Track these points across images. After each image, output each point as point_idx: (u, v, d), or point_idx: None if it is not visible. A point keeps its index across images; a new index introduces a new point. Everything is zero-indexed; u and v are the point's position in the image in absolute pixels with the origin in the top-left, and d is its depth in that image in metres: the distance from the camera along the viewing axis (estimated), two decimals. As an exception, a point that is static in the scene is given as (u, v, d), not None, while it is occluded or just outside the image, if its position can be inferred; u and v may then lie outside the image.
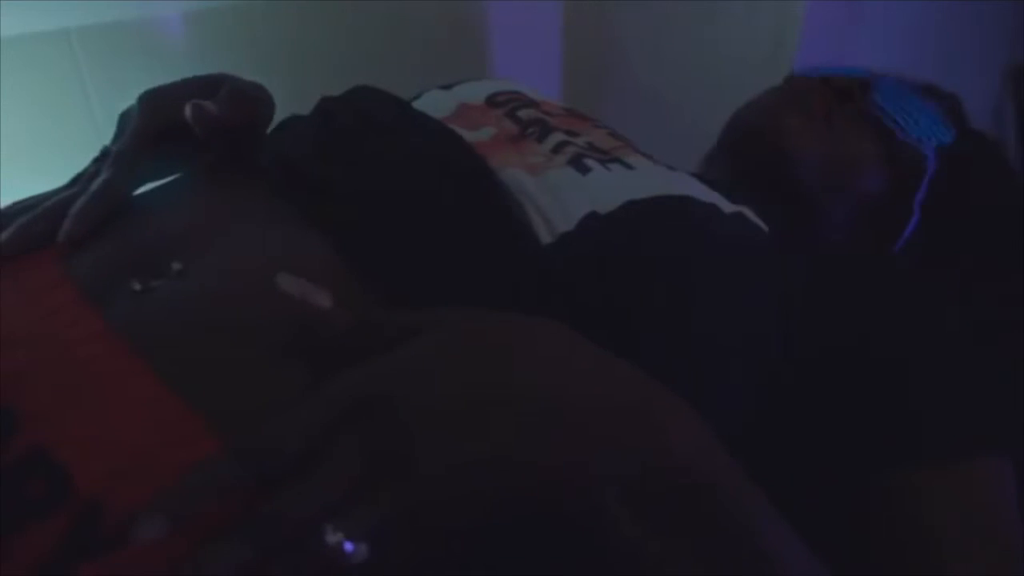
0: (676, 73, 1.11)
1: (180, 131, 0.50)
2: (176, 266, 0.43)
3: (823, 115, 0.67)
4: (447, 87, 0.65)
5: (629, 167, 0.53)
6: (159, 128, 0.51)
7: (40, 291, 0.40)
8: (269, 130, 0.56)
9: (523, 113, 0.59)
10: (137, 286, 0.42)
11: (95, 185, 0.48)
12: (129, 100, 0.86)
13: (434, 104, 0.61)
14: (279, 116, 0.58)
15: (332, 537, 0.32)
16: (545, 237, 0.47)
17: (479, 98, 0.61)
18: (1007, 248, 0.69)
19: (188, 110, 0.49)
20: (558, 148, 0.54)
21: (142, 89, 0.87)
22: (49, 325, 0.38)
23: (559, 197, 0.49)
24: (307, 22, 0.91)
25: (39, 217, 0.47)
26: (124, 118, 0.55)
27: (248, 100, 0.52)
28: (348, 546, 0.32)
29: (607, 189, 0.50)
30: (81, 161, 0.86)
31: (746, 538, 0.35)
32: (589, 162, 0.52)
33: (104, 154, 0.53)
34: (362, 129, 0.54)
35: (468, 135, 0.54)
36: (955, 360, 0.52)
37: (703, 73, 1.09)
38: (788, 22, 1.06)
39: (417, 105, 0.61)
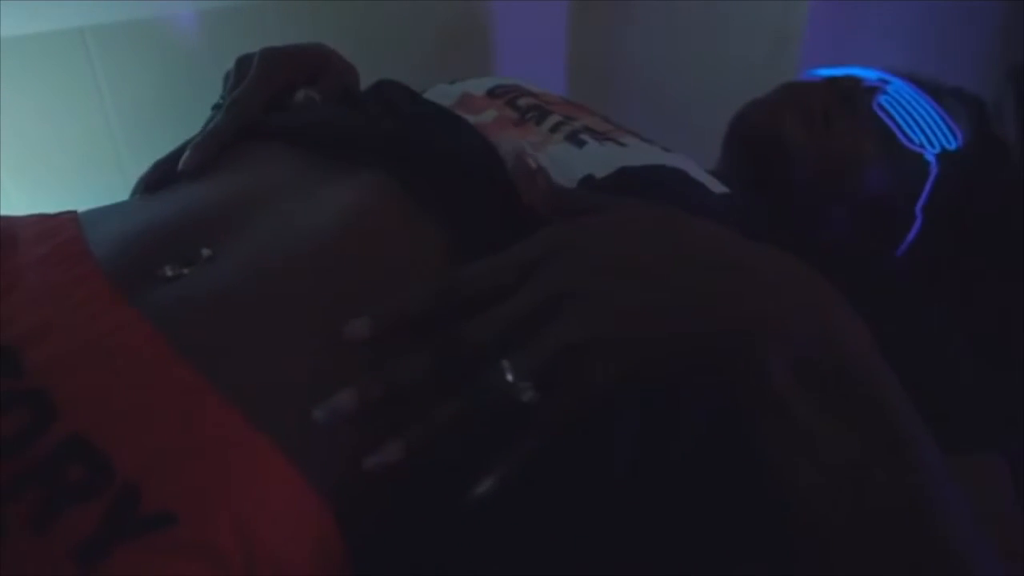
0: (681, 73, 1.12)
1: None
2: (206, 252, 0.44)
3: (822, 116, 0.68)
4: (451, 83, 0.67)
5: (623, 145, 0.56)
6: (271, 89, 0.61)
7: (71, 284, 0.41)
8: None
9: (522, 102, 0.61)
10: (169, 272, 0.43)
11: (210, 125, 0.58)
12: (142, 98, 0.88)
13: (438, 95, 0.64)
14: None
15: (506, 368, 0.36)
16: None
17: (480, 90, 0.64)
18: (1010, 254, 0.70)
19: (300, 96, 0.60)
20: (555, 128, 0.57)
21: (155, 88, 0.89)
22: (81, 316, 0.39)
23: (558, 164, 0.52)
24: (316, 22, 0.93)
25: (170, 155, 0.58)
26: (241, 65, 0.65)
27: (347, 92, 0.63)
28: (519, 379, 0.36)
29: (602, 159, 0.53)
30: (94, 158, 0.88)
31: (901, 443, 0.36)
32: (584, 137, 0.55)
33: (218, 105, 0.63)
34: (390, 109, 0.60)
35: (471, 119, 0.57)
36: (939, 359, 0.53)
37: (707, 73, 1.10)
38: (792, 22, 1.07)
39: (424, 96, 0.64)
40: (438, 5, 1.05)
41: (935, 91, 0.72)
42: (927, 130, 0.70)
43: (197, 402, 0.37)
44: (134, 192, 0.60)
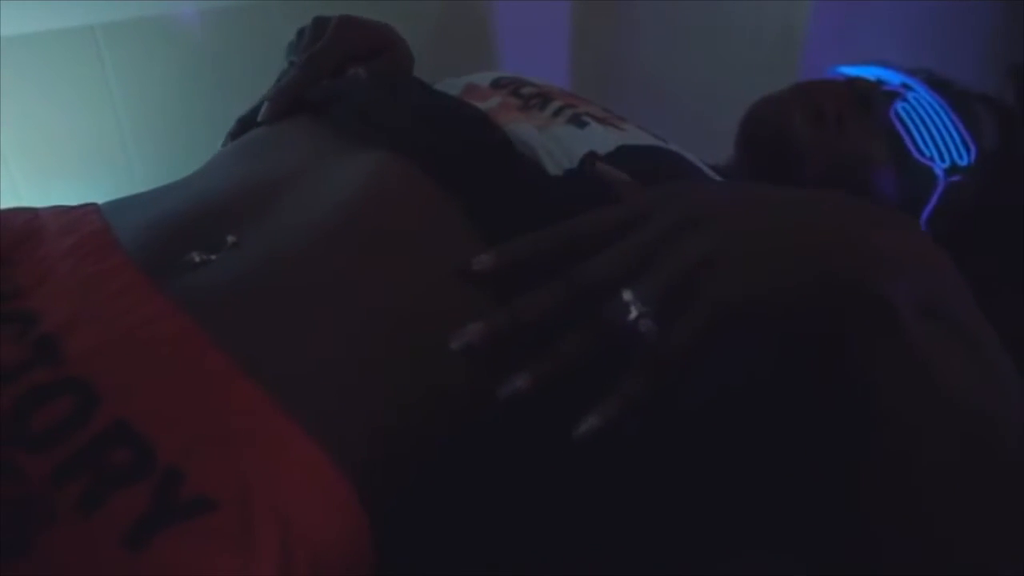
0: (683, 73, 1.13)
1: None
2: (231, 239, 0.45)
3: (834, 116, 0.68)
4: (456, 77, 0.69)
5: (622, 130, 0.58)
6: (342, 54, 0.66)
7: (103, 275, 0.42)
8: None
9: (525, 90, 0.63)
10: (196, 259, 0.44)
11: (284, 79, 0.63)
12: (151, 96, 0.89)
13: (445, 87, 0.66)
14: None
15: (628, 298, 0.39)
16: (552, 171, 0.52)
17: (485, 82, 0.66)
18: (1013, 271, 0.69)
19: (350, 72, 0.65)
20: (558, 112, 0.59)
21: (165, 85, 0.90)
22: (116, 307, 0.40)
23: (562, 143, 0.54)
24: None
25: (250, 110, 0.65)
26: (317, 26, 0.70)
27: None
28: (641, 305, 0.39)
29: (603, 138, 0.55)
30: (104, 155, 0.88)
31: (999, 374, 0.39)
32: (586, 119, 0.57)
33: (292, 62, 0.68)
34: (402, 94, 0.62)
35: (478, 106, 0.59)
36: None
37: (710, 72, 1.11)
38: (794, 21, 1.08)
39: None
40: (441, 5, 1.05)
41: (963, 98, 0.72)
42: (940, 143, 0.69)
43: (232, 389, 0.38)
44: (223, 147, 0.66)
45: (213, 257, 0.44)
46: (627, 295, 0.39)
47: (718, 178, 0.58)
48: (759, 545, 0.47)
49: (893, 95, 0.71)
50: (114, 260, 0.43)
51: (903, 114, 0.70)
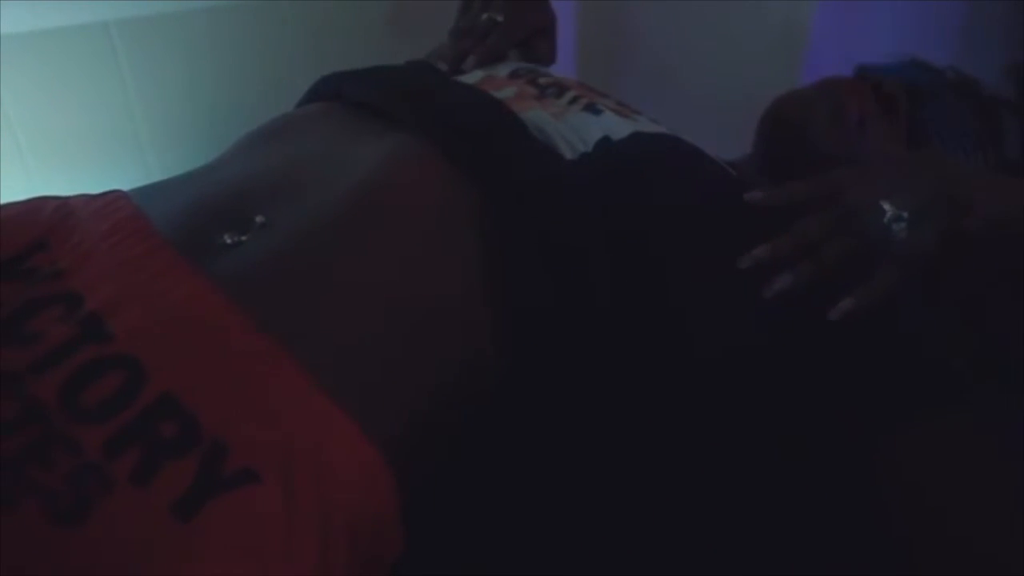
0: (688, 71, 1.14)
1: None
2: (260, 219, 0.46)
3: (857, 118, 0.68)
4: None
5: (635, 121, 0.60)
6: (523, 30, 0.74)
7: (142, 257, 0.43)
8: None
9: (542, 80, 0.65)
10: (228, 240, 0.45)
11: (490, 38, 0.72)
12: (165, 92, 0.89)
13: (463, 78, 0.68)
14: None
15: (886, 208, 0.48)
16: (568, 155, 0.54)
17: (503, 72, 0.68)
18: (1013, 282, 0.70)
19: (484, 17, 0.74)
20: (573, 101, 0.61)
21: (178, 81, 0.91)
22: (157, 287, 0.41)
23: (577, 130, 0.56)
24: (337, 18, 0.95)
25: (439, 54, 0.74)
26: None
27: None
28: (893, 216, 0.48)
29: (617, 125, 0.57)
30: (119, 149, 0.89)
31: None
32: (600, 107, 0.59)
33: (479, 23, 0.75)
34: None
35: (495, 94, 0.61)
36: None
37: (714, 70, 1.12)
38: (798, 19, 1.10)
39: None
40: (451, 4, 1.07)
41: (989, 103, 0.72)
42: (962, 149, 0.69)
43: (271, 365, 0.39)
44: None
45: (244, 238, 0.45)
46: (885, 204, 0.49)
47: (732, 172, 0.59)
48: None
49: (918, 98, 0.71)
50: (152, 242, 0.44)
51: (927, 118, 0.70)
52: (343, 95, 0.61)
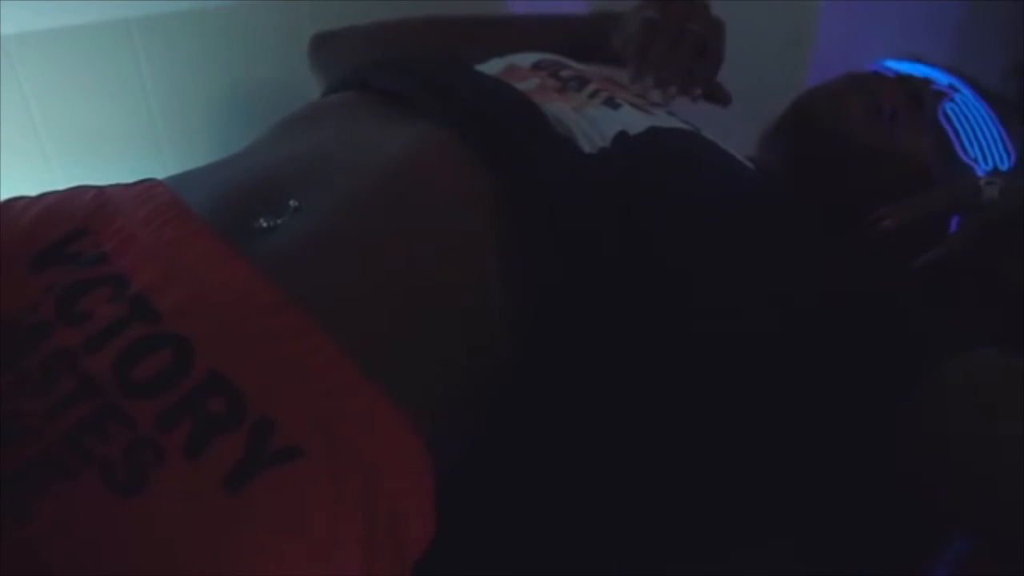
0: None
1: None
2: (293, 203, 0.48)
3: (889, 111, 0.69)
4: (500, 56, 0.71)
5: (652, 115, 0.61)
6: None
7: (184, 240, 0.44)
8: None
9: (564, 73, 0.66)
10: (264, 223, 0.46)
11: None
12: (183, 89, 0.91)
13: (485, 66, 0.68)
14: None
15: (980, 173, 0.57)
16: (587, 149, 0.55)
17: (526, 63, 0.68)
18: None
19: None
20: (593, 94, 0.62)
21: (196, 78, 0.92)
22: (199, 268, 0.42)
23: (596, 124, 0.57)
24: (353, 16, 0.96)
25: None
26: None
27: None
28: (986, 180, 0.57)
29: (635, 119, 0.58)
30: (138, 144, 0.90)
31: None
32: (620, 101, 0.60)
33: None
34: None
35: (516, 86, 0.62)
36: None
37: (721, 72, 1.13)
38: (804, 21, 1.11)
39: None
40: (459, 4, 1.08)
41: (1002, 105, 0.72)
42: (984, 146, 0.70)
43: (311, 345, 0.40)
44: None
45: (279, 221, 0.47)
46: (979, 170, 0.59)
47: (751, 166, 0.60)
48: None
49: (941, 95, 0.71)
50: (192, 226, 0.45)
51: (951, 114, 0.70)
52: (369, 85, 0.62)
